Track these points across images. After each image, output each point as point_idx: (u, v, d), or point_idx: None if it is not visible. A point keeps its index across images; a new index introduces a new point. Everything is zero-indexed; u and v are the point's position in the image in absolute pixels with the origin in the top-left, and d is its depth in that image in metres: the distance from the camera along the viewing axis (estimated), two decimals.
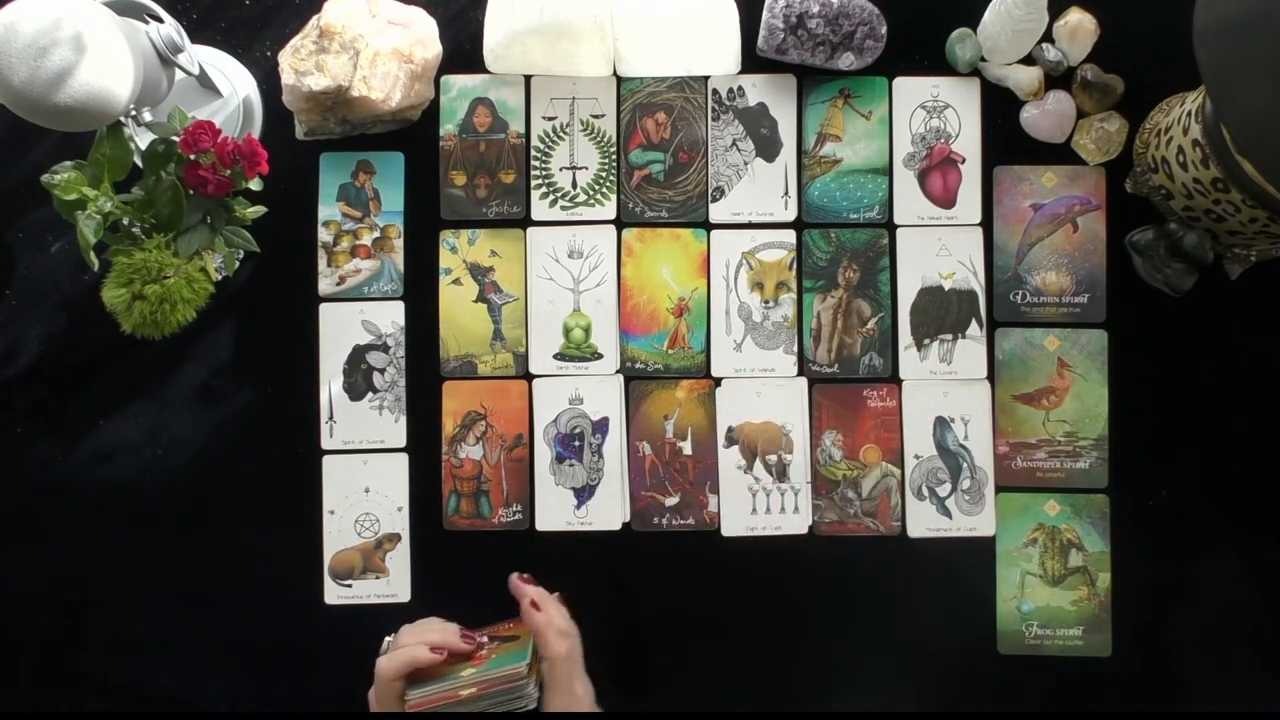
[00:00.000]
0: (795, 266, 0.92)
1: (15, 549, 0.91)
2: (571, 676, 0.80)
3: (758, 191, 0.92)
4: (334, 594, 0.90)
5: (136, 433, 0.91)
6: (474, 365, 0.91)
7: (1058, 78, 0.91)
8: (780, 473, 0.91)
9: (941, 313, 0.91)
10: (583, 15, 0.86)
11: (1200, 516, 0.90)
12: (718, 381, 0.91)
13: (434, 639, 0.79)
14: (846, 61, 0.90)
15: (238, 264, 0.86)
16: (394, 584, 0.90)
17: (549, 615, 0.81)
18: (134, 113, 0.77)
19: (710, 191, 0.92)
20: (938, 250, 0.92)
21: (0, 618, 0.91)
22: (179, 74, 0.82)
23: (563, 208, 0.92)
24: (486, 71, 0.92)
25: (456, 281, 0.91)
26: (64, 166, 0.75)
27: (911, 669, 0.90)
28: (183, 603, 0.90)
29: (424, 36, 0.89)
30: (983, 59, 0.91)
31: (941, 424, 0.91)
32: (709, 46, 0.91)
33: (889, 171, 0.92)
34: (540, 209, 0.92)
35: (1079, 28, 0.90)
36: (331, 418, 0.91)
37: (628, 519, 0.91)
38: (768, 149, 0.92)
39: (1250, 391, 0.91)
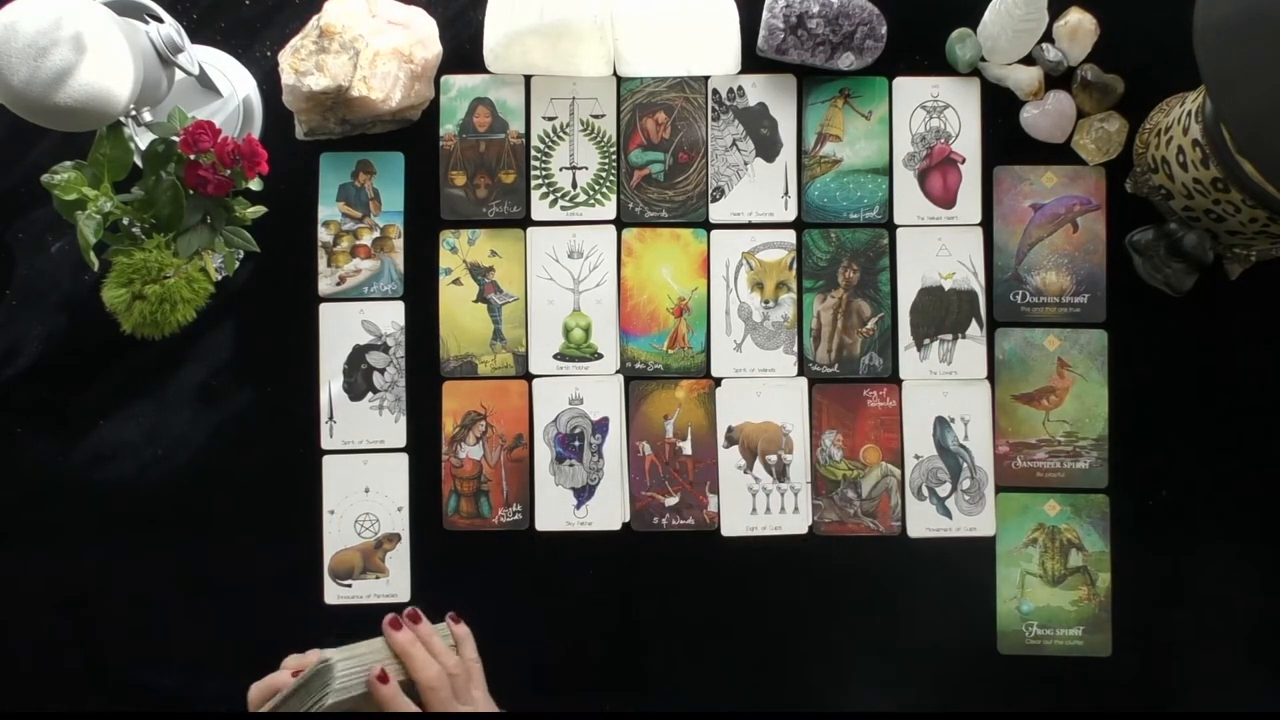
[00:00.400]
0: (795, 266, 0.92)
1: (15, 549, 0.90)
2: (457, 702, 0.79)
3: (758, 191, 0.92)
4: (334, 594, 0.90)
5: (136, 433, 0.91)
6: (474, 365, 0.91)
7: (1058, 78, 0.91)
8: (780, 473, 0.91)
9: (941, 313, 0.92)
10: (583, 15, 0.86)
11: (1200, 516, 0.90)
12: (718, 381, 0.91)
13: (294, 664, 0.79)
14: (846, 61, 0.90)
15: (238, 264, 0.86)
16: (394, 584, 0.90)
17: (433, 670, 0.80)
18: (134, 113, 0.77)
19: (710, 191, 0.92)
20: (938, 250, 0.92)
21: (0, 618, 0.91)
22: (179, 74, 0.82)
23: (563, 208, 0.92)
24: (486, 71, 0.92)
25: (456, 281, 0.92)
26: (64, 166, 0.74)
27: (911, 669, 0.90)
28: (183, 603, 0.90)
29: (424, 36, 0.89)
30: (983, 59, 0.91)
31: (941, 424, 0.91)
32: (709, 46, 0.91)
33: (889, 171, 0.92)
34: (540, 209, 0.92)
35: (1079, 28, 0.90)
36: (331, 418, 0.91)
37: (628, 519, 0.91)
38: (768, 149, 0.92)
39: (1250, 391, 0.91)
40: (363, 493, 0.90)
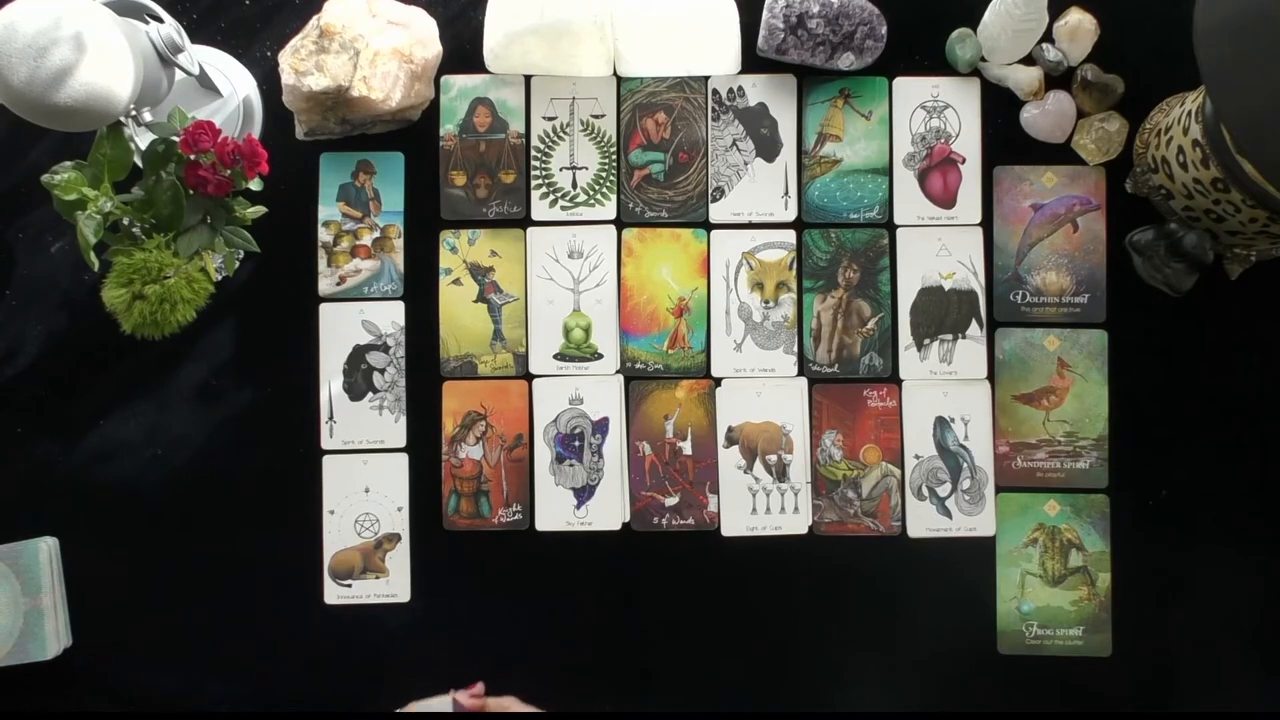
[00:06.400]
0: (795, 266, 0.92)
1: None
2: None
3: (758, 191, 0.92)
4: (334, 594, 0.90)
5: (136, 433, 0.91)
6: (474, 365, 0.91)
7: (1058, 78, 0.91)
8: (780, 473, 0.91)
9: (941, 313, 0.91)
10: (583, 15, 0.86)
11: (1200, 516, 0.90)
12: (718, 381, 0.91)
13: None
14: (846, 61, 0.90)
15: (238, 264, 0.86)
16: (394, 584, 0.90)
17: None
18: (134, 113, 0.77)
19: (710, 191, 0.92)
20: (938, 250, 0.92)
21: None
22: (179, 74, 0.82)
23: (563, 208, 0.92)
24: (486, 71, 0.92)
25: (456, 281, 0.91)
26: (64, 166, 0.75)
27: (911, 669, 0.90)
28: (183, 603, 0.90)
29: (424, 36, 0.89)
30: (983, 59, 0.91)
31: (941, 424, 0.91)
32: (709, 46, 0.91)
33: (889, 171, 0.92)
34: (540, 209, 0.92)
35: (1079, 28, 0.90)
36: (331, 418, 0.91)
37: (628, 519, 0.91)
38: (768, 149, 0.92)
39: (1250, 391, 0.91)
40: (363, 493, 0.90)
